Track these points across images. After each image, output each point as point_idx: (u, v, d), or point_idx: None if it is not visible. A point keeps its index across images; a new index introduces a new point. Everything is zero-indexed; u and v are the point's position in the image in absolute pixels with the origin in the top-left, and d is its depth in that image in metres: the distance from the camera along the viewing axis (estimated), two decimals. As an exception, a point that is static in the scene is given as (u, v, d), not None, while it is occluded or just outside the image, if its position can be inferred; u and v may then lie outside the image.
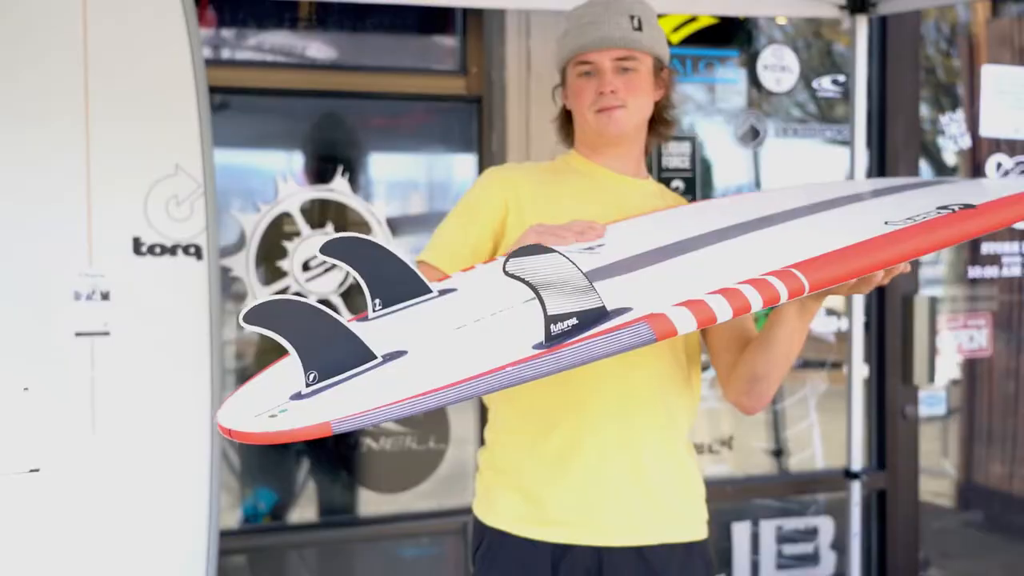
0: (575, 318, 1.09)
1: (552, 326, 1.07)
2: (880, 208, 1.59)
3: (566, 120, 1.86)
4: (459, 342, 1.19)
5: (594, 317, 1.10)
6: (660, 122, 1.84)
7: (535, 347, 1.08)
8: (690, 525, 1.76)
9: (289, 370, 1.15)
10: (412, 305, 1.37)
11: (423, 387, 1.03)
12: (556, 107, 1.87)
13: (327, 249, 1.32)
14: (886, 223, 1.35)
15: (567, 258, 1.07)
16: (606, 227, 1.61)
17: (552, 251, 1.08)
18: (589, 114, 1.75)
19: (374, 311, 1.35)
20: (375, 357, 1.12)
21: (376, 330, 1.28)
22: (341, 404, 1.04)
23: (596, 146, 1.80)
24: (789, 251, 1.29)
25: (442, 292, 1.42)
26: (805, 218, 1.55)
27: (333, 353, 1.10)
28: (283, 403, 1.09)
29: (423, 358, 1.15)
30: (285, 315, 1.08)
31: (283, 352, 1.13)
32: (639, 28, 1.73)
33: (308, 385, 1.09)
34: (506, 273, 1.06)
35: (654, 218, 1.73)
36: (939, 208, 1.39)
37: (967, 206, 1.38)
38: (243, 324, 1.08)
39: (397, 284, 1.36)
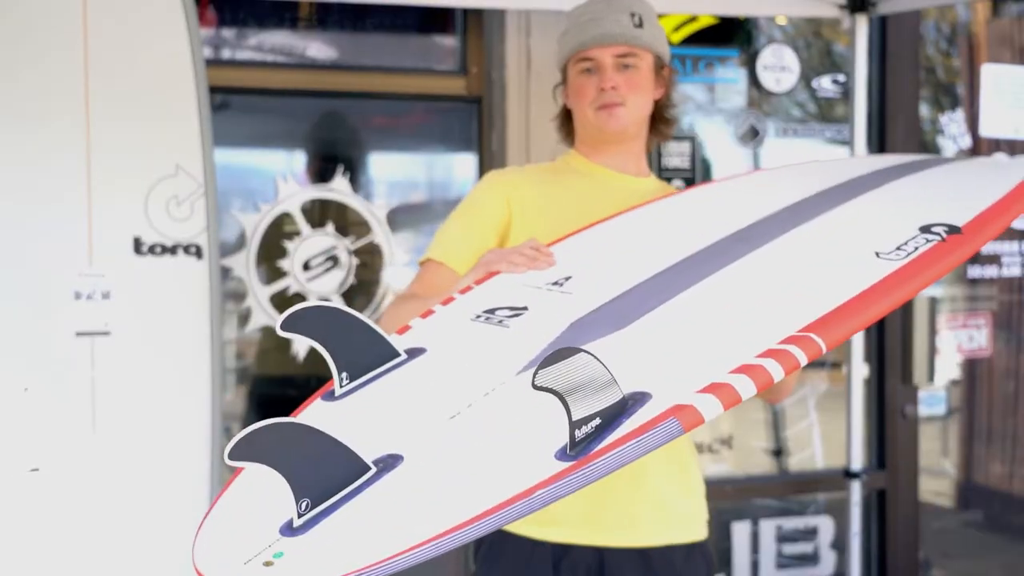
0: (598, 418, 1.00)
1: (576, 431, 0.98)
2: (862, 218, 1.55)
3: (567, 119, 1.86)
4: (460, 441, 1.07)
5: (615, 413, 1.02)
6: (661, 121, 1.84)
7: (559, 456, 0.98)
8: (691, 525, 1.76)
9: (265, 487, 1.00)
10: (382, 374, 1.26)
11: (443, 522, 0.92)
12: (557, 106, 1.87)
13: (287, 325, 1.22)
14: (877, 255, 1.32)
15: (592, 356, 0.99)
16: (553, 252, 1.56)
17: (581, 351, 0.99)
18: (590, 111, 1.75)
19: (341, 386, 1.23)
20: (369, 468, 1.00)
21: (352, 414, 1.17)
22: (345, 540, 0.93)
23: (596, 144, 1.80)
24: (785, 295, 1.26)
25: (410, 353, 1.30)
26: (787, 235, 1.47)
27: (326, 473, 0.97)
28: (274, 543, 0.95)
29: (423, 465, 1.03)
30: (273, 440, 0.94)
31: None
32: (640, 25, 1.73)
33: (300, 515, 0.95)
34: (535, 387, 0.96)
35: (614, 228, 1.66)
36: (922, 229, 1.34)
37: (952, 229, 1.34)
38: (229, 461, 0.94)
39: (364, 351, 1.25)
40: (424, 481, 1.01)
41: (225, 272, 2.79)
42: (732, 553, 3.27)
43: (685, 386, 1.06)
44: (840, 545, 3.28)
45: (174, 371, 2.22)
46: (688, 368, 1.11)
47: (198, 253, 2.22)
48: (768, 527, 3.30)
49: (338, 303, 1.24)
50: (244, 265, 2.83)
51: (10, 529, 2.09)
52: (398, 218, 3.02)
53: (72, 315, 2.14)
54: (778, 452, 3.42)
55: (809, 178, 1.73)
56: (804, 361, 1.14)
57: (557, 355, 0.98)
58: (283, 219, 2.88)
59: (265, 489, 1.01)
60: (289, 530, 0.95)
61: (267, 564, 0.92)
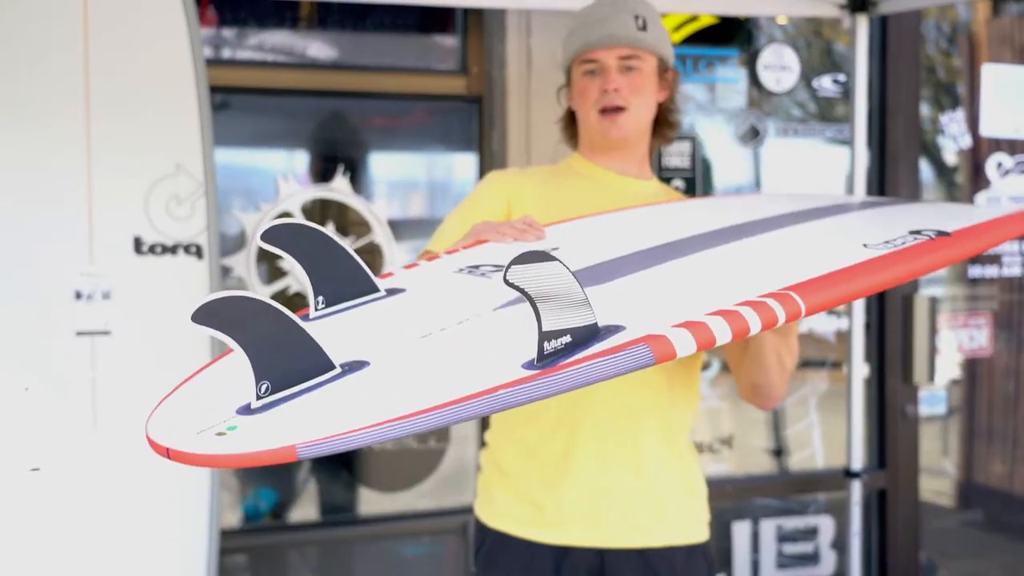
0: (569, 335, 1.00)
1: (546, 344, 0.98)
2: (857, 223, 1.57)
3: (570, 121, 1.86)
4: (429, 355, 1.08)
5: (587, 335, 1.02)
6: (664, 124, 1.83)
7: (525, 366, 0.98)
8: (692, 527, 1.77)
9: (228, 376, 1.02)
10: (359, 305, 1.25)
11: (399, 408, 0.93)
12: (561, 108, 1.87)
13: (268, 236, 1.19)
14: (865, 246, 1.33)
15: (566, 267, 1.00)
16: (544, 229, 1.56)
17: (553, 258, 0.99)
18: (592, 115, 1.75)
19: (316, 309, 1.21)
20: (333, 367, 1.01)
21: (324, 332, 1.13)
22: (302, 424, 0.93)
23: (599, 148, 1.80)
24: (773, 267, 1.26)
25: (390, 292, 1.30)
26: (780, 231, 1.50)
27: (289, 361, 0.97)
28: (230, 418, 0.95)
29: (389, 371, 1.04)
30: (238, 312, 0.94)
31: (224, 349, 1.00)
32: (644, 28, 1.73)
33: (259, 397, 0.95)
34: (506, 282, 0.97)
35: (609, 220, 1.67)
36: (912, 232, 1.36)
37: (941, 233, 1.35)
38: (191, 320, 0.97)
39: (344, 280, 1.23)
40: (387, 384, 1.01)
41: (225, 272, 2.79)
42: (732, 553, 3.28)
43: (660, 322, 1.05)
44: (840, 545, 3.28)
45: (174, 371, 2.21)
46: (665, 310, 1.11)
47: (198, 253, 2.22)
48: (768, 527, 3.30)
49: (331, 232, 1.21)
50: (244, 265, 2.83)
51: (11, 529, 2.09)
52: (398, 218, 3.02)
53: (72, 315, 2.14)
54: (778, 452, 3.42)
55: (809, 200, 1.76)
56: (782, 318, 1.13)
57: (533, 255, 0.97)
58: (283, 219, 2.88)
59: (229, 380, 1.02)
60: (247, 410, 0.96)
61: (219, 435, 0.93)
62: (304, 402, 0.96)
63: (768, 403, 1.74)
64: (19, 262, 2.11)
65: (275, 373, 0.95)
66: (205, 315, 0.95)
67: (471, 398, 0.94)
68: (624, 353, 1.00)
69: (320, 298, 1.20)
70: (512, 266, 0.97)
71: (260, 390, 0.95)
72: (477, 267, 1.40)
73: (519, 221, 1.54)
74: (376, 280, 1.27)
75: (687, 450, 1.78)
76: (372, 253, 2.95)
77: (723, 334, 1.08)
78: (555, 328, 0.99)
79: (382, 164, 3.18)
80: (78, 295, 2.14)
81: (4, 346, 2.09)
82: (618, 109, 1.73)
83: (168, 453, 0.94)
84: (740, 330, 1.10)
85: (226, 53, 2.93)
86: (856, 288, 1.23)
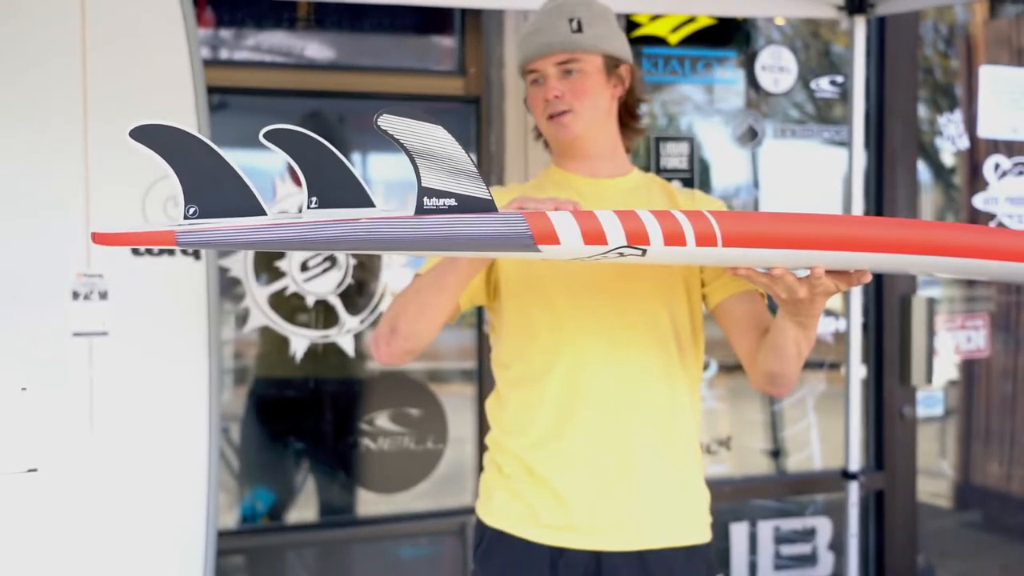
0: (454, 199, 1.03)
1: (425, 199, 1.02)
2: None
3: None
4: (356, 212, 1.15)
5: (478, 207, 1.03)
6: (629, 116, 1.84)
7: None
8: (690, 528, 1.76)
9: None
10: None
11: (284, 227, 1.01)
12: (525, 119, 1.89)
13: (271, 136, 1.23)
14: None
15: (455, 141, 1.02)
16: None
17: (437, 124, 1.03)
18: (543, 122, 1.78)
19: (308, 207, 1.23)
20: (264, 213, 1.11)
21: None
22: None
23: (564, 152, 1.82)
24: None
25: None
26: None
27: (219, 194, 1.08)
28: (158, 224, 1.07)
29: (314, 212, 1.13)
30: (175, 141, 1.07)
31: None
32: (579, 30, 1.73)
33: (186, 218, 1.10)
34: (377, 127, 1.01)
35: None
36: None
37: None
38: (128, 137, 1.07)
39: (339, 187, 1.24)
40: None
41: (223, 272, 2.79)
42: (730, 554, 3.28)
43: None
44: (838, 546, 3.28)
45: (172, 372, 2.22)
46: None
47: (196, 254, 2.22)
48: (766, 528, 3.30)
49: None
50: (242, 266, 2.83)
51: (8, 529, 2.09)
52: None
53: (70, 315, 2.13)
54: (776, 453, 3.43)
55: None
56: (690, 233, 1.11)
57: (411, 112, 1.02)
58: (281, 219, 2.87)
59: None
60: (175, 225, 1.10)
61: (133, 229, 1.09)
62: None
63: (784, 391, 1.73)
64: (17, 263, 2.11)
65: (204, 201, 1.08)
66: (144, 135, 1.09)
67: (337, 222, 1.02)
68: (496, 218, 1.01)
69: (313, 198, 1.21)
70: (385, 114, 1.02)
71: (187, 212, 1.10)
72: None
73: (558, 200, 1.54)
74: (371, 195, 1.27)
75: (687, 451, 1.77)
76: (369, 254, 2.94)
77: (611, 226, 1.06)
78: (436, 187, 1.02)
79: (380, 165, 3.18)
80: (75, 296, 2.14)
81: (2, 347, 2.09)
82: (563, 112, 1.73)
83: (94, 236, 1.12)
84: (633, 231, 1.07)
85: (224, 54, 2.93)
86: (780, 231, 1.17)
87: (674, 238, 1.09)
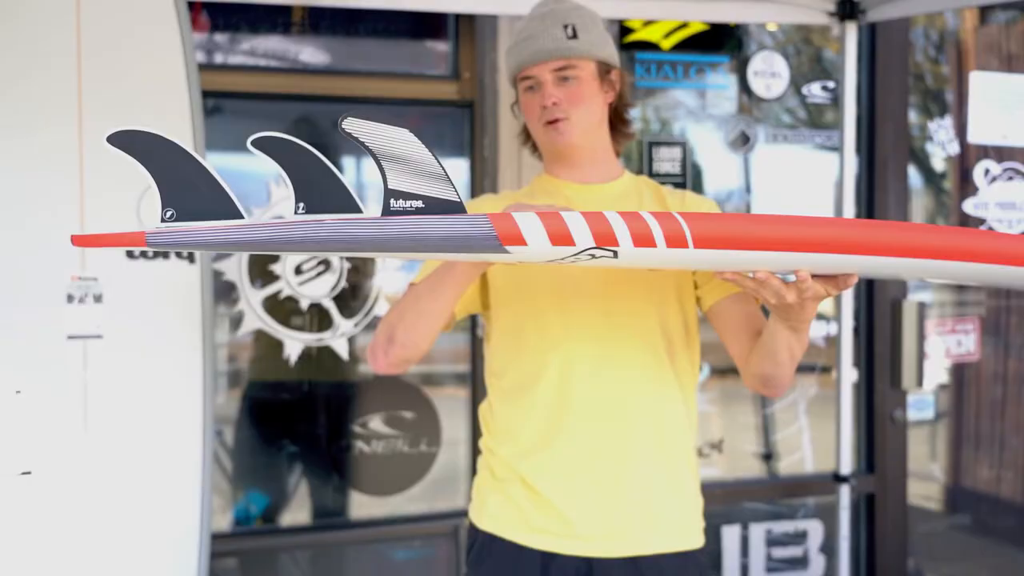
0: (421, 201, 1.03)
1: (392, 201, 1.03)
2: None
3: (530, 135, 1.88)
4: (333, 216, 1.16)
5: (446, 210, 1.03)
6: (619, 122, 1.85)
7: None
8: (684, 533, 1.77)
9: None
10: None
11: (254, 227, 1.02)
12: (518, 124, 1.89)
13: (259, 144, 1.22)
14: None
15: (422, 143, 1.03)
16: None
17: (403, 128, 1.03)
18: (539, 128, 1.78)
19: (296, 213, 1.24)
20: (241, 216, 1.11)
21: None
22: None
23: (556, 159, 1.82)
24: None
25: None
26: None
27: (196, 198, 1.09)
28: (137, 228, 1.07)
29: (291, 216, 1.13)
30: (153, 147, 1.07)
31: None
32: (574, 36, 1.74)
33: (163, 221, 1.10)
34: (342, 130, 1.01)
35: None
36: None
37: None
38: (107, 143, 1.07)
39: (327, 195, 1.25)
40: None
41: (217, 276, 2.79)
42: (722, 557, 3.29)
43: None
44: (829, 549, 3.29)
45: (166, 375, 2.22)
46: None
47: (190, 257, 2.22)
48: (758, 531, 3.31)
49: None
50: (236, 269, 2.84)
51: (2, 532, 2.09)
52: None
53: (64, 318, 2.14)
54: (768, 456, 3.44)
55: None
56: (659, 234, 1.10)
57: (376, 115, 1.02)
58: (275, 223, 2.88)
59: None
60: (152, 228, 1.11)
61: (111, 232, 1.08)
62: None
63: (777, 392, 1.73)
64: (12, 266, 2.11)
65: (181, 205, 1.09)
66: (122, 140, 1.09)
67: (306, 223, 1.04)
68: (461, 219, 1.01)
69: (301, 204, 1.22)
70: (350, 117, 1.02)
71: (164, 215, 1.10)
72: None
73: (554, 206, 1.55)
74: (359, 201, 1.28)
75: (680, 456, 1.78)
76: (363, 257, 2.95)
77: (578, 228, 1.06)
78: (403, 189, 1.03)
79: (374, 169, 3.18)
80: (70, 299, 2.15)
81: (-4, 350, 2.09)
82: (560, 119, 1.74)
83: (73, 238, 1.16)
84: (600, 232, 1.06)
85: (218, 58, 2.94)
86: (749, 232, 1.16)
87: (643, 239, 1.09)
